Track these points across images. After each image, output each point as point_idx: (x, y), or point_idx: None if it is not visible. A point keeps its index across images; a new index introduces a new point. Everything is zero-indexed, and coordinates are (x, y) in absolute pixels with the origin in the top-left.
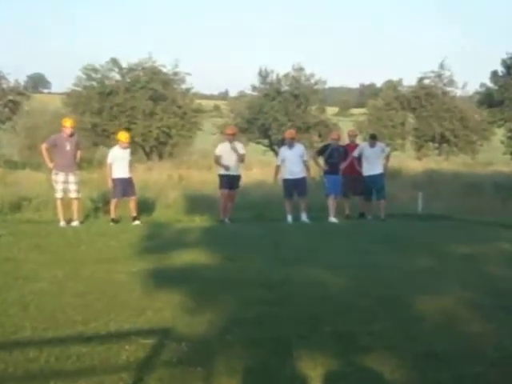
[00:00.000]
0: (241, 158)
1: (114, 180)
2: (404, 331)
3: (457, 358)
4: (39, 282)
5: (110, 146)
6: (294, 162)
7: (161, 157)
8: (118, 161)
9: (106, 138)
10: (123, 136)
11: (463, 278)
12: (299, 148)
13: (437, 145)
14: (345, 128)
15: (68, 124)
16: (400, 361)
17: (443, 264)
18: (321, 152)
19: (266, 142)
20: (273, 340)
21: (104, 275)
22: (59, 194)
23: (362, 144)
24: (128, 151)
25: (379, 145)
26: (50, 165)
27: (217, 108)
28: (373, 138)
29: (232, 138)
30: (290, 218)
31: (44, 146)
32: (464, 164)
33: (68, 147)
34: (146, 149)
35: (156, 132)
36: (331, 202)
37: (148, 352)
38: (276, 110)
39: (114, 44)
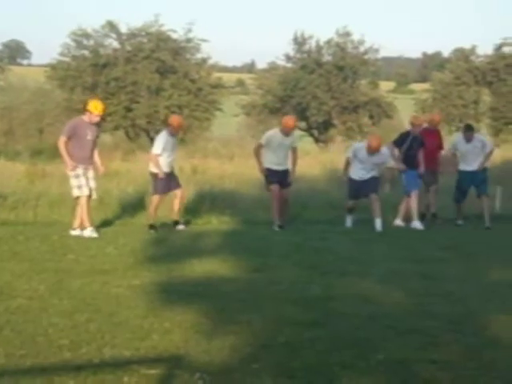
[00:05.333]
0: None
1: (157, 173)
2: (475, 359)
3: None
4: (16, 298)
5: (106, 131)
6: (367, 168)
7: None
8: (168, 151)
9: (101, 121)
10: (176, 120)
11: None
12: (382, 156)
13: None
14: (402, 108)
15: (98, 110)
16: None
17: None
18: (399, 142)
19: (302, 125)
20: (310, 370)
21: (98, 289)
22: (85, 191)
23: (456, 139)
24: (177, 138)
25: (478, 138)
26: (70, 164)
27: (241, 83)
28: (469, 131)
29: (289, 132)
30: (349, 220)
31: (63, 140)
32: None
33: (89, 136)
34: (151, 133)
35: (164, 113)
36: (414, 202)
37: None
38: (316, 86)
39: (111, 3)
